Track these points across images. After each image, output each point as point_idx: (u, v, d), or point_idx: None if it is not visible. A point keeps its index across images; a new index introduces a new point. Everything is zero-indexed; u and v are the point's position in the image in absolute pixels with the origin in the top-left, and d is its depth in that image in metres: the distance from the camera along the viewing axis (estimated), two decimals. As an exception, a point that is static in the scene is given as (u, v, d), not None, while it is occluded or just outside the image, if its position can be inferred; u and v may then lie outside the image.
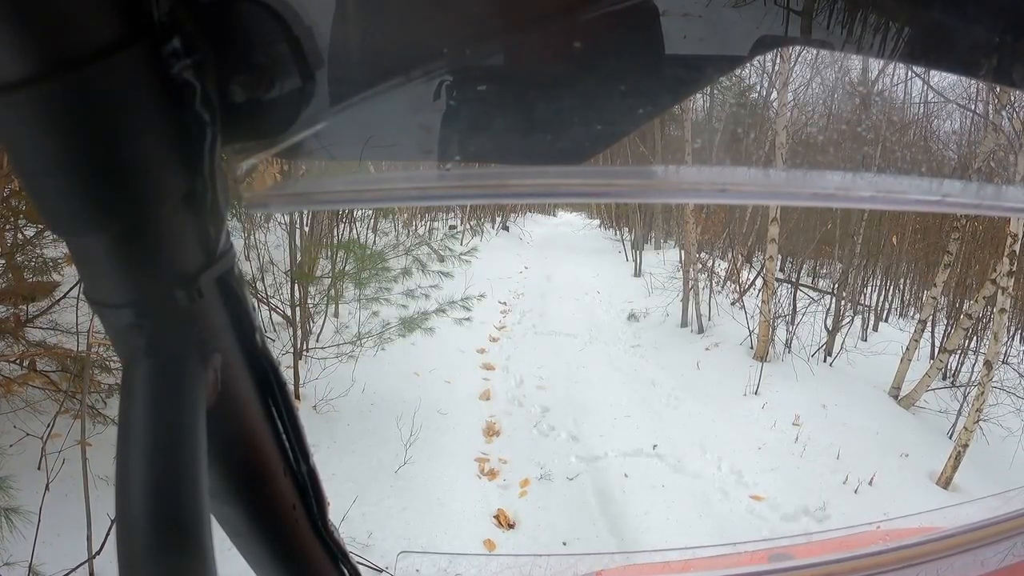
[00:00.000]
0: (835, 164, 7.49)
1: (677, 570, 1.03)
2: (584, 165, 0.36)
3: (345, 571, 0.51)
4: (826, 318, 6.43)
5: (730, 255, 8.73)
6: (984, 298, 4.87)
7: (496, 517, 3.18)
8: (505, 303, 7.69)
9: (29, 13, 0.20)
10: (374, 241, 6.35)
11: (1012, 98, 4.38)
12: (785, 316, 6.12)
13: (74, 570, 1.95)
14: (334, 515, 0.49)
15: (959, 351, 6.01)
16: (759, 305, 5.98)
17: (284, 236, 4.36)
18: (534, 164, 0.37)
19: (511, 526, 3.13)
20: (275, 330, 4.36)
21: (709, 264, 7.66)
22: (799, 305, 6.41)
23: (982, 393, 4.16)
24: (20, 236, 3.05)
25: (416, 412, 3.72)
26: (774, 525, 3.32)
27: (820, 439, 4.19)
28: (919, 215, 7.02)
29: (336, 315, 4.78)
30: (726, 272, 8.22)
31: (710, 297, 7.01)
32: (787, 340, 5.91)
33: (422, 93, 0.31)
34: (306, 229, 4.48)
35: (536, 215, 19.98)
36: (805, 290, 6.87)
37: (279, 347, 4.02)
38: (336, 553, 0.50)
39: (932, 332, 6.48)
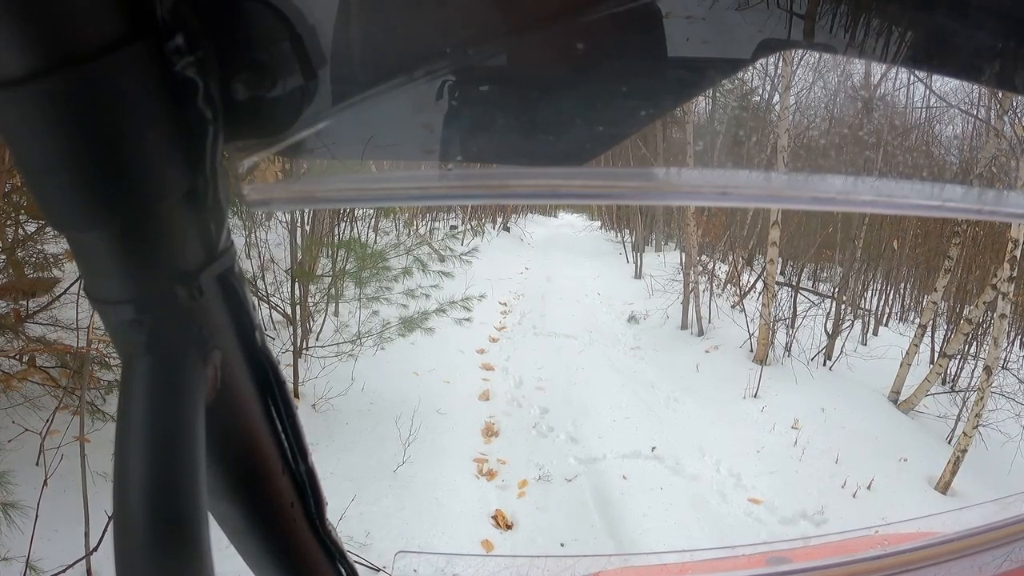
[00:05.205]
0: (837, 168, 7.49)
1: (675, 572, 1.03)
2: (586, 166, 0.36)
3: (343, 570, 0.51)
4: (826, 322, 6.43)
5: (731, 258, 8.73)
6: (984, 303, 4.86)
7: (494, 518, 3.17)
8: (505, 304, 7.69)
9: (32, 9, 0.20)
10: (375, 240, 6.35)
11: (1014, 103, 4.39)
12: (785, 319, 6.12)
13: (71, 566, 1.96)
14: (332, 514, 0.49)
15: (959, 356, 6.01)
16: (759, 308, 5.99)
17: (285, 234, 4.36)
18: (536, 165, 0.37)
19: (509, 527, 3.13)
20: (275, 328, 4.36)
21: (710, 267, 7.66)
22: (799, 308, 6.41)
23: (981, 398, 4.15)
24: (21, 232, 3.06)
25: (415, 412, 3.72)
26: (772, 528, 3.31)
27: (819, 443, 4.18)
28: (920, 220, 7.02)
29: (336, 314, 4.78)
30: (726, 275, 8.22)
31: (710, 300, 7.01)
32: (787, 343, 5.91)
33: (424, 93, 0.31)
34: (307, 228, 4.48)
35: (537, 216, 20.00)
36: (805, 294, 6.87)
37: (279, 345, 4.02)
38: (334, 552, 0.50)
39: (932, 337, 6.47)
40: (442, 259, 5.70)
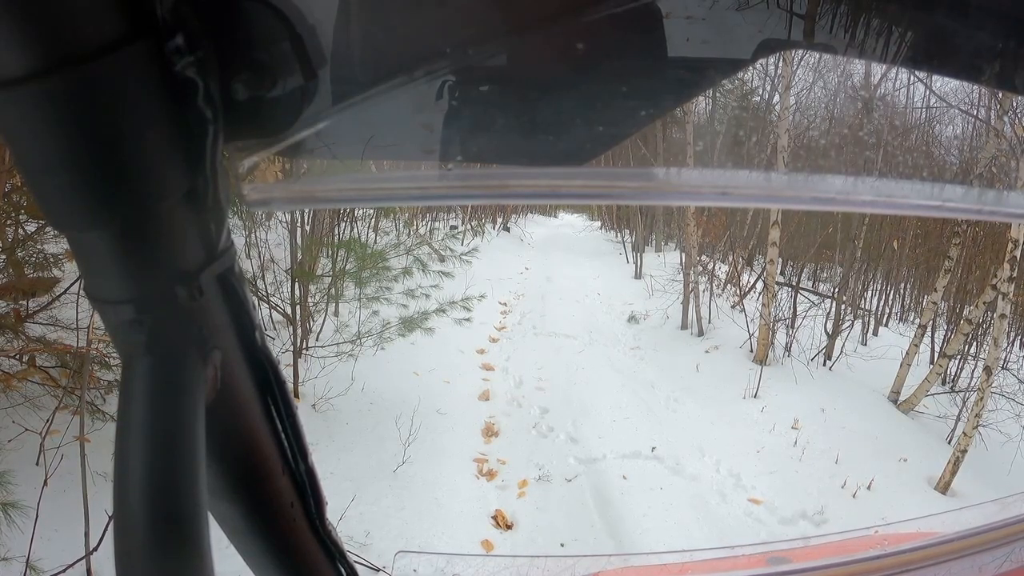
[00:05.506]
0: (837, 168, 7.48)
1: (675, 573, 1.03)
2: (586, 166, 0.36)
3: (342, 570, 0.51)
4: (826, 322, 6.43)
5: (731, 258, 8.73)
6: (984, 303, 4.86)
7: (494, 518, 3.17)
8: (505, 304, 7.69)
9: (32, 9, 0.20)
10: (375, 240, 6.34)
11: (1014, 103, 4.39)
12: (785, 320, 6.12)
13: (71, 566, 1.96)
14: (332, 514, 0.49)
15: (959, 356, 6.01)
16: (759, 308, 5.99)
17: (285, 234, 4.36)
18: (536, 165, 0.37)
19: (509, 527, 3.13)
20: (275, 328, 4.36)
21: (710, 267, 7.66)
22: (799, 309, 6.41)
23: (981, 398, 4.15)
24: (21, 231, 3.06)
25: (415, 412, 3.72)
26: (772, 528, 3.31)
27: (819, 443, 4.18)
28: (920, 220, 7.02)
29: (336, 314, 4.78)
30: (726, 275, 8.22)
31: (710, 300, 7.01)
32: (787, 344, 5.91)
33: (424, 93, 0.31)
34: (307, 227, 4.49)
35: (537, 216, 20.00)
36: (805, 294, 6.87)
37: (279, 345, 4.02)
38: (334, 552, 0.50)
39: (932, 337, 6.47)
40: (442, 259, 5.70)
